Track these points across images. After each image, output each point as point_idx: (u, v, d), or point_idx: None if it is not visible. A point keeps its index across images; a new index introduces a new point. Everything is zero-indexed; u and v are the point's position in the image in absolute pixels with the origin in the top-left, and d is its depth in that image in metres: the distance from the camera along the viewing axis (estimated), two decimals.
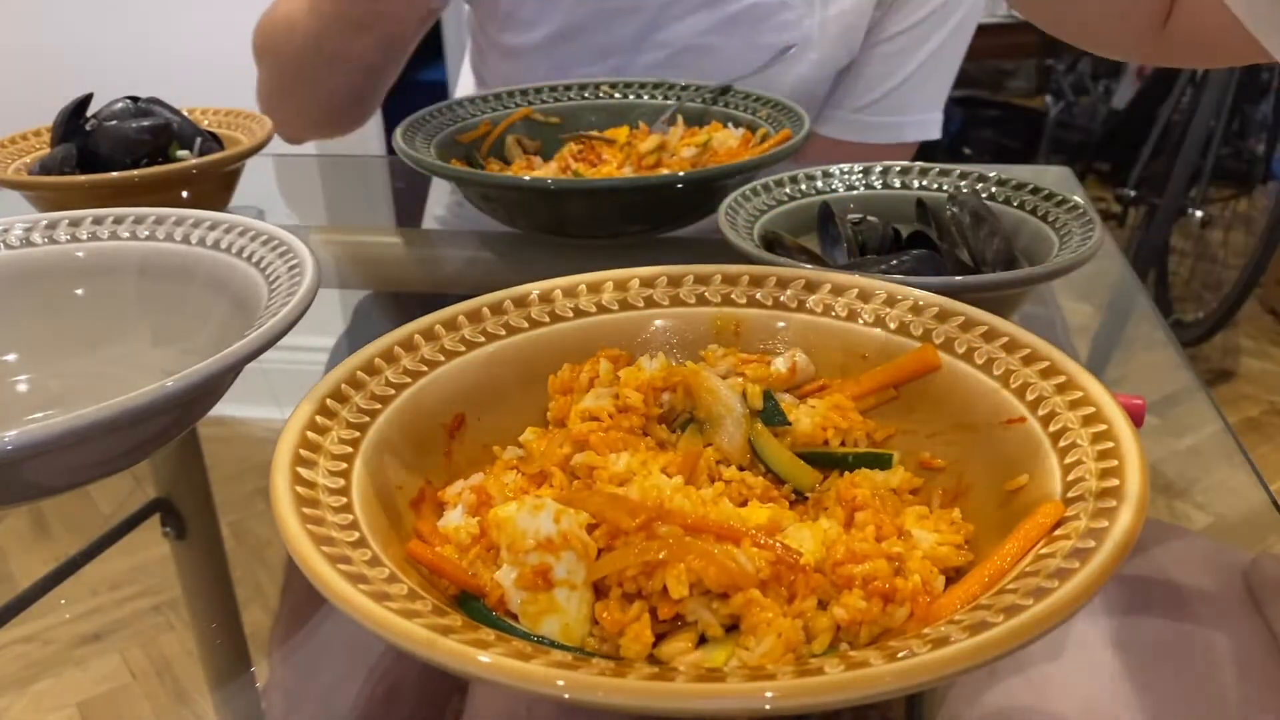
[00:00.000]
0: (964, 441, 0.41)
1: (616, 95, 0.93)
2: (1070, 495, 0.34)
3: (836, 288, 0.48)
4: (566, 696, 0.26)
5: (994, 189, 0.67)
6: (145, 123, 0.78)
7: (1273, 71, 2.46)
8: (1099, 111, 3.17)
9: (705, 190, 0.73)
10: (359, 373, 0.41)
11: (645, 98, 0.92)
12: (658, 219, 0.78)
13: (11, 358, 0.57)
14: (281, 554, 0.50)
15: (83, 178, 0.73)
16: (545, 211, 0.76)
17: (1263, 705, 0.38)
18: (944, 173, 0.70)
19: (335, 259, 0.86)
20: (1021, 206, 0.65)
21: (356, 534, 0.34)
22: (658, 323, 0.48)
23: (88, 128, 0.78)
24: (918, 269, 0.58)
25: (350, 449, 0.38)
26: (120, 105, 0.80)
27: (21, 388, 0.56)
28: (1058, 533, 0.33)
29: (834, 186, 0.70)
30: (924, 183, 0.70)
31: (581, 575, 0.34)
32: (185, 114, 0.83)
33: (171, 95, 0.85)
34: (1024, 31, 3.55)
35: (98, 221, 0.59)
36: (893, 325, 0.45)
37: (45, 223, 0.59)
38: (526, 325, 0.47)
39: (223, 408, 0.51)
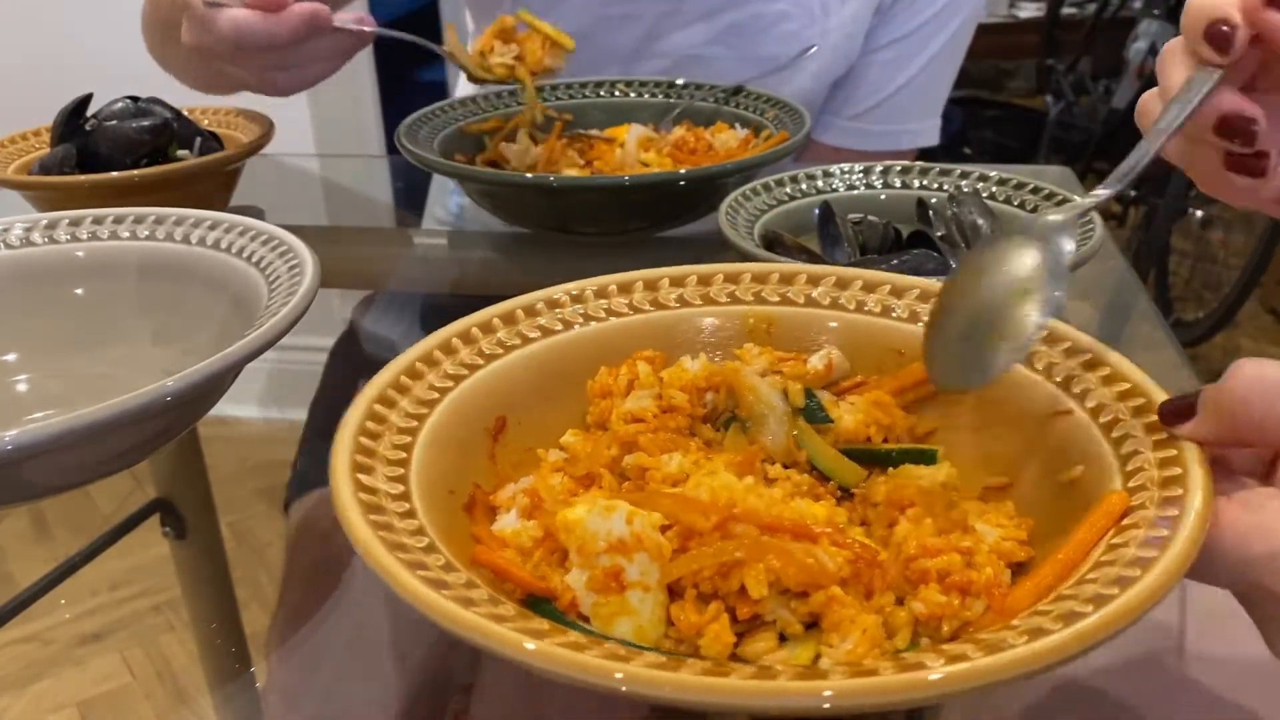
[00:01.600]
0: (1010, 435, 0.41)
1: (623, 94, 0.93)
2: (1132, 485, 0.34)
3: (868, 284, 0.47)
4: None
5: (994, 189, 0.67)
6: (145, 122, 0.78)
7: None
8: (1099, 111, 3.16)
9: (706, 189, 0.73)
10: (403, 377, 0.41)
11: (651, 96, 0.92)
12: (658, 216, 0.78)
13: (11, 358, 0.57)
14: (281, 554, 0.50)
15: (83, 178, 0.73)
16: (547, 208, 0.76)
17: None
18: (944, 173, 0.70)
19: (335, 259, 0.86)
20: (1022, 206, 0.65)
21: (426, 539, 0.33)
22: (691, 322, 0.47)
23: (88, 128, 0.78)
24: (918, 269, 0.58)
25: (404, 454, 0.37)
26: (120, 105, 0.80)
27: (21, 388, 0.56)
28: (1126, 522, 0.33)
29: (834, 186, 0.70)
30: (924, 183, 0.70)
31: (655, 576, 0.33)
32: (185, 114, 0.83)
33: (171, 95, 0.85)
34: (1024, 31, 3.55)
35: (98, 221, 0.59)
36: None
37: (45, 223, 0.59)
38: (560, 327, 0.46)
39: (223, 408, 0.51)
